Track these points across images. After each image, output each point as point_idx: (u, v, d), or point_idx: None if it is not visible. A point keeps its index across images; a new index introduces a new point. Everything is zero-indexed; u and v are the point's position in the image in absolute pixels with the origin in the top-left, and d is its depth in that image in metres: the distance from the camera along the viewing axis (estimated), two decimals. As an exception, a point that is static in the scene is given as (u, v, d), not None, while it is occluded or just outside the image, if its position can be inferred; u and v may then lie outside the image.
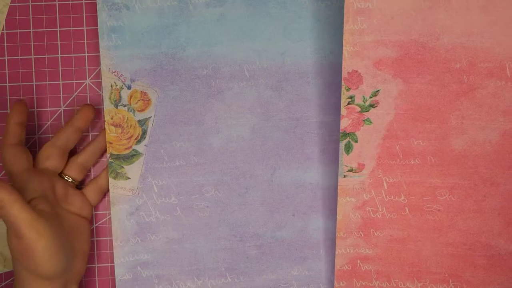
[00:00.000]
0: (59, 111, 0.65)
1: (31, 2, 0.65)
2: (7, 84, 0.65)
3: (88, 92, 0.65)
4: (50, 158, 0.61)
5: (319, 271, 0.63)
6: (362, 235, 0.59)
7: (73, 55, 0.65)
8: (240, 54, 0.63)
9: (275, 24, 0.63)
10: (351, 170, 0.58)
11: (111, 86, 0.62)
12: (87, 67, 0.65)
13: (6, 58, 0.64)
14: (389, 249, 0.59)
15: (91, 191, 0.63)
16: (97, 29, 0.63)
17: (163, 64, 0.63)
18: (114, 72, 0.62)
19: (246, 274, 0.64)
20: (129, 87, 0.63)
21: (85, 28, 0.65)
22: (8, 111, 0.65)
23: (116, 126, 0.63)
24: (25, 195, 0.57)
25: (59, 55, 0.65)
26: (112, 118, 0.63)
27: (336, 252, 0.60)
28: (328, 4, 0.62)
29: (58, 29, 0.65)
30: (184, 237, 0.63)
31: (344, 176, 0.58)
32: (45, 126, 0.65)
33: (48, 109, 0.65)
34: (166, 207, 0.63)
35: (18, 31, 0.65)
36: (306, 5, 0.62)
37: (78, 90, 0.65)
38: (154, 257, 0.64)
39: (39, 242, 0.55)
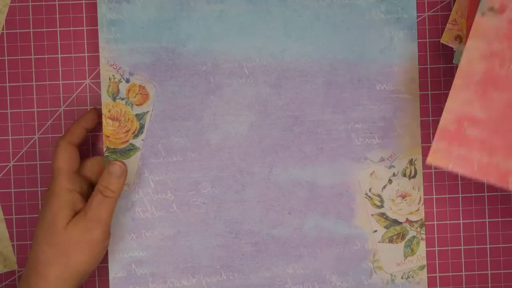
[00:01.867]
0: (59, 111, 0.64)
1: (31, 2, 0.64)
2: (7, 84, 0.64)
3: (88, 92, 0.64)
4: (98, 173, 0.62)
5: (314, 269, 0.63)
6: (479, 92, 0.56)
7: (73, 55, 0.64)
8: (239, 51, 0.63)
9: (275, 22, 0.63)
10: (491, 9, 0.55)
11: (109, 79, 0.62)
12: (87, 67, 0.64)
13: (6, 58, 0.64)
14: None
15: None
16: (97, 29, 0.63)
17: (163, 59, 0.62)
18: (113, 65, 0.62)
19: (241, 272, 0.63)
20: (127, 81, 0.62)
21: (85, 28, 0.64)
22: (8, 111, 0.64)
23: (113, 119, 0.62)
24: (74, 195, 0.58)
25: (59, 55, 0.64)
26: (109, 111, 0.62)
27: (446, 105, 0.56)
28: (328, 3, 0.62)
29: (58, 29, 0.64)
30: (179, 234, 0.63)
31: (483, 14, 0.56)
32: (45, 126, 0.64)
33: (48, 109, 0.64)
34: (162, 203, 0.62)
35: (18, 31, 0.64)
36: (306, 3, 0.63)
37: (78, 90, 0.64)
38: (148, 254, 0.63)
39: (106, 241, 0.58)
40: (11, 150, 0.64)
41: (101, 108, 0.63)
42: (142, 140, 0.62)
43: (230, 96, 0.63)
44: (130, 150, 0.62)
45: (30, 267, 0.57)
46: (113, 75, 0.62)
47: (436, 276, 0.64)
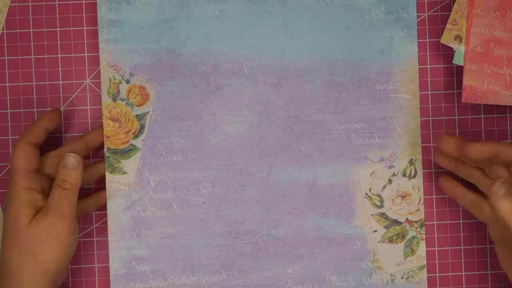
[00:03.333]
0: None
1: (31, 2, 0.64)
2: (7, 84, 0.64)
3: (88, 92, 0.64)
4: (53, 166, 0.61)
5: (314, 269, 0.63)
6: None
7: (73, 55, 0.64)
8: (239, 51, 0.63)
9: (275, 22, 0.63)
10: None
11: (110, 80, 0.62)
12: (87, 67, 0.64)
13: (6, 58, 0.64)
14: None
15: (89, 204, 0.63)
16: (97, 29, 0.63)
17: (163, 59, 0.63)
18: (113, 66, 0.62)
19: (241, 271, 0.63)
20: (127, 82, 0.62)
21: (85, 28, 0.64)
22: (8, 111, 0.64)
23: (113, 120, 0.62)
24: (34, 194, 0.57)
25: (59, 55, 0.64)
26: (110, 112, 0.62)
27: (471, 32, 0.60)
28: (328, 3, 0.62)
29: (58, 29, 0.64)
30: (179, 233, 0.63)
31: None
32: None
33: (48, 109, 0.64)
34: (162, 203, 0.63)
35: (18, 31, 0.64)
36: (306, 3, 0.62)
37: (78, 90, 0.65)
38: (149, 252, 0.63)
39: (73, 235, 0.57)
40: (11, 150, 0.64)
41: (59, 110, 0.62)
42: (143, 140, 0.63)
43: (230, 96, 0.63)
44: (130, 150, 0.62)
45: (1, 273, 0.57)
46: (113, 76, 0.62)
47: (436, 276, 0.64)
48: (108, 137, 0.62)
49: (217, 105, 0.63)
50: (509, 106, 0.65)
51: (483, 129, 0.65)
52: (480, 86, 0.61)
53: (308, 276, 0.63)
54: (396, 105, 0.63)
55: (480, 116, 0.65)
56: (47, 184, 0.59)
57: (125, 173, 0.63)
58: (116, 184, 0.63)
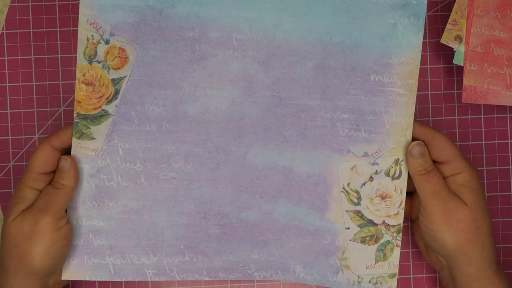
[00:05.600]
0: (59, 111, 0.64)
1: (31, 2, 0.64)
2: (7, 84, 0.64)
3: (88, 92, 0.63)
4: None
5: (279, 257, 0.61)
6: None
7: (73, 55, 0.64)
8: (231, 20, 0.58)
9: (272, -6, 0.58)
10: None
11: (87, 39, 0.57)
12: None
13: (6, 58, 0.64)
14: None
15: None
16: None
17: (148, 20, 0.58)
18: (93, 23, 0.57)
19: (205, 254, 0.60)
20: (107, 42, 0.58)
21: (85, 28, 0.62)
22: (8, 111, 0.64)
23: (87, 84, 0.58)
24: (36, 194, 0.57)
25: (59, 55, 0.64)
26: (84, 76, 0.57)
27: (471, 32, 0.60)
28: (331, -17, 0.58)
29: (58, 29, 0.64)
30: (144, 208, 0.60)
31: None
32: (45, 126, 0.64)
33: (48, 109, 0.64)
34: (129, 173, 0.59)
35: (18, 31, 0.64)
36: (308, -21, 0.58)
37: None
38: (109, 225, 0.60)
39: (57, 233, 0.56)
40: (11, 150, 0.64)
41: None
42: (116, 106, 0.58)
43: (214, 67, 0.59)
44: (101, 116, 0.58)
45: None
46: (91, 35, 0.57)
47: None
48: (79, 102, 0.58)
49: (200, 75, 0.59)
50: (509, 106, 0.64)
51: (483, 129, 0.64)
52: (480, 86, 0.60)
53: (273, 263, 0.61)
54: (389, 100, 0.59)
55: (480, 116, 0.64)
56: None
57: (93, 138, 0.58)
58: (82, 149, 0.58)
